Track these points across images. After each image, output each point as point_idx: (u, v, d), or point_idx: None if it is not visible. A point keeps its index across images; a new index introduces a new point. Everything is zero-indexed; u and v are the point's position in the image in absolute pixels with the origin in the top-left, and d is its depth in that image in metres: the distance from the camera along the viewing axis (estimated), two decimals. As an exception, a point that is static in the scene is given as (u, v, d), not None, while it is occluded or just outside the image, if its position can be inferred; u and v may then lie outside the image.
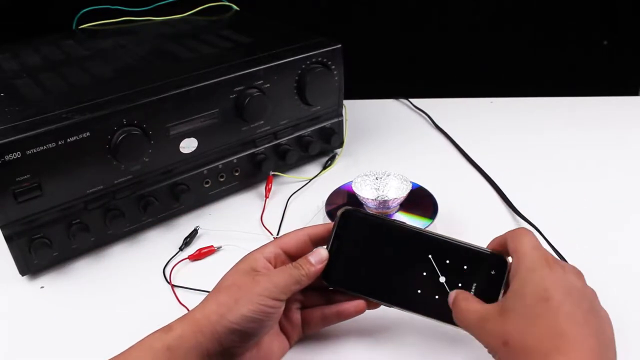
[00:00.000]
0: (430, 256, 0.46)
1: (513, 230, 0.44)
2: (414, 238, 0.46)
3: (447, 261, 0.45)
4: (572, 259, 0.56)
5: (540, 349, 0.36)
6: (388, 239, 0.47)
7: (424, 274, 0.46)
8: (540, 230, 0.61)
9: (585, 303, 0.38)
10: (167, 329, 0.42)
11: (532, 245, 0.41)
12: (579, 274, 0.40)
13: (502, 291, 0.43)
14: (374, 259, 0.47)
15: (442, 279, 0.45)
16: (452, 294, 0.44)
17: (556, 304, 0.37)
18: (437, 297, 0.45)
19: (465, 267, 0.45)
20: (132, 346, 0.41)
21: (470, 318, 0.41)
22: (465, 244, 0.46)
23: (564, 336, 0.35)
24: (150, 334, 0.41)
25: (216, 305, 0.42)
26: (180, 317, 0.43)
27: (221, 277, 0.45)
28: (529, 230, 0.43)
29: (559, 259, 0.40)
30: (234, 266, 0.46)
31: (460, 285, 0.45)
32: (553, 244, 0.59)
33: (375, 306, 0.48)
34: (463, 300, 0.43)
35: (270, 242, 0.47)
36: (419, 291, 0.46)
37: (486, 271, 0.44)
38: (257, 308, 0.42)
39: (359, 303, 0.47)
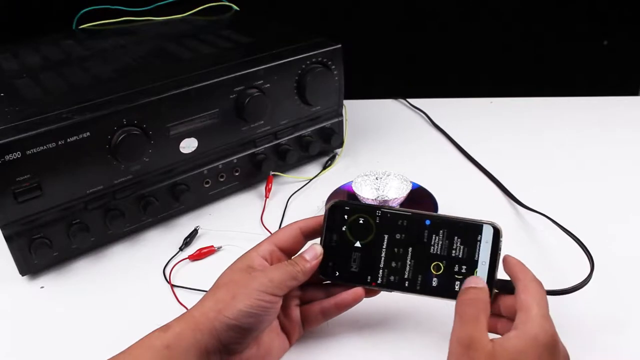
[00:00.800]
0: (422, 235, 0.46)
1: (526, 275, 0.42)
2: (403, 220, 0.47)
3: (440, 237, 0.46)
4: (575, 255, 0.56)
5: None
6: (379, 225, 0.47)
7: (419, 253, 0.46)
8: (551, 217, 0.61)
9: None
10: (166, 327, 0.42)
11: (542, 313, 0.39)
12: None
13: (499, 258, 0.44)
14: (368, 247, 0.47)
15: (437, 254, 0.46)
16: (478, 283, 0.43)
17: None
18: (433, 274, 0.46)
19: (457, 239, 0.46)
20: (132, 345, 0.41)
21: (471, 323, 0.40)
22: (455, 217, 0.46)
23: None
24: (150, 333, 0.42)
25: (214, 302, 0.42)
26: (179, 316, 0.43)
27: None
28: (541, 287, 0.41)
29: (557, 338, 0.39)
30: (230, 265, 0.46)
31: (453, 254, 0.45)
32: (568, 229, 0.59)
33: (375, 293, 0.48)
34: (483, 307, 0.41)
35: (265, 239, 0.48)
36: (416, 271, 0.46)
37: (479, 240, 0.45)
38: (254, 303, 0.42)
39: (356, 290, 0.47)
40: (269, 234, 0.63)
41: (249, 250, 0.47)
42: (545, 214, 0.63)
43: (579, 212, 0.66)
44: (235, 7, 0.93)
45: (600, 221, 0.64)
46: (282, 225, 0.65)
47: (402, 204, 0.65)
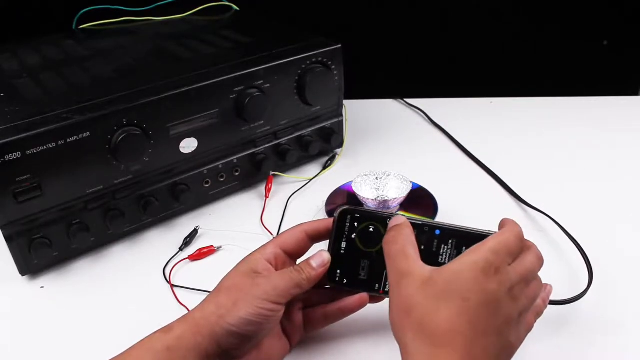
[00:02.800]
0: (431, 244, 0.46)
1: (507, 220, 0.43)
2: (413, 229, 0.47)
3: (449, 246, 0.46)
4: (578, 254, 0.56)
5: (434, 338, 0.36)
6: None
7: (427, 262, 0.46)
8: (552, 217, 0.62)
9: (498, 321, 0.37)
10: (167, 329, 0.42)
11: (494, 247, 0.39)
12: (515, 298, 0.39)
13: None
14: (377, 255, 0.47)
15: (444, 264, 0.45)
16: (398, 220, 0.44)
17: (467, 308, 0.36)
18: None
19: (465, 249, 0.45)
20: (132, 347, 0.41)
21: (399, 258, 0.41)
22: (464, 228, 0.46)
23: (458, 337, 0.36)
24: (150, 335, 0.41)
25: (215, 306, 0.42)
26: (180, 318, 0.43)
27: (221, 277, 0.45)
28: (511, 231, 0.41)
29: (511, 271, 0.39)
30: (234, 267, 0.46)
31: None
32: (567, 230, 0.59)
33: (379, 300, 0.48)
34: (406, 240, 0.42)
35: (269, 242, 0.47)
36: None
37: None
38: (255, 311, 0.41)
39: (362, 296, 0.47)
40: (270, 234, 0.64)
41: (253, 252, 0.46)
42: (548, 214, 0.63)
43: (579, 212, 0.66)
44: (235, 7, 0.93)
45: (600, 221, 0.64)
46: (283, 226, 0.66)
47: (402, 204, 0.65)
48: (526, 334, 0.40)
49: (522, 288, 0.39)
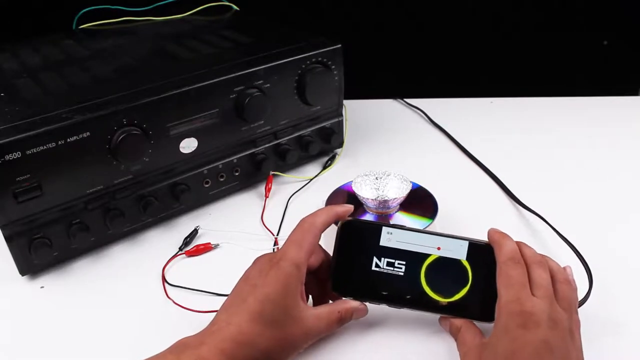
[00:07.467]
0: (433, 254, 0.46)
1: (501, 259, 0.44)
2: (415, 238, 0.47)
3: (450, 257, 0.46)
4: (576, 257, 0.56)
5: None
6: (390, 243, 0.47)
7: (429, 272, 0.46)
8: (547, 220, 0.62)
9: (558, 354, 0.39)
10: None
11: (510, 297, 0.41)
12: (558, 326, 0.40)
13: None
14: (379, 264, 0.47)
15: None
16: (455, 324, 0.46)
17: None
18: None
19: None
20: None
21: (460, 350, 0.44)
22: (464, 238, 0.46)
23: None
24: None
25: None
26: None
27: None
28: (516, 267, 0.43)
29: (538, 307, 0.40)
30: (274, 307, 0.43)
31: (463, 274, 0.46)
32: (562, 233, 0.59)
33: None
34: (464, 331, 0.45)
35: (299, 272, 0.45)
36: (426, 290, 0.46)
37: (489, 261, 0.45)
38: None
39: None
40: (270, 234, 0.64)
41: (292, 292, 0.44)
42: (545, 216, 0.62)
43: (579, 212, 0.66)
44: (235, 7, 0.93)
45: (599, 221, 0.64)
46: (283, 226, 0.66)
47: (402, 204, 0.65)
48: (579, 332, 0.43)
49: (554, 305, 0.41)
